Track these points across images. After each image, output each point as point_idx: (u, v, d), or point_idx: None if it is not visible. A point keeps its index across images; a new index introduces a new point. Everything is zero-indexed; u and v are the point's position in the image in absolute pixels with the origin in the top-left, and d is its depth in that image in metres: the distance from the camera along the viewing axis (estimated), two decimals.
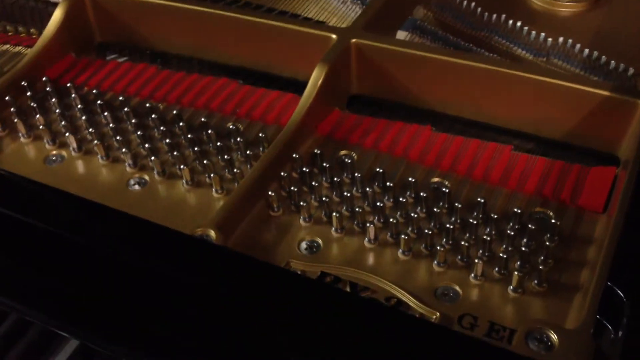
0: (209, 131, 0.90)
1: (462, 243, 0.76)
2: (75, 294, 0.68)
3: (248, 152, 0.88)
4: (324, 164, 0.85)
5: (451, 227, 0.78)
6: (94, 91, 0.96)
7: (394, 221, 0.79)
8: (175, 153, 0.87)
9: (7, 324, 0.76)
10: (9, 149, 0.92)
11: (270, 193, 0.82)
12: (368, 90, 0.99)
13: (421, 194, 0.81)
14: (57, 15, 1.01)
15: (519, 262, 0.75)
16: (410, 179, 0.83)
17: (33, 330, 0.75)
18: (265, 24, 0.99)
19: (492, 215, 0.78)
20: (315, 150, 0.87)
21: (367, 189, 0.83)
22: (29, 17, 1.20)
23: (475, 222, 0.78)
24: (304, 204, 0.81)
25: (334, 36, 0.95)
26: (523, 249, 0.75)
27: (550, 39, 1.02)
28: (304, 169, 0.85)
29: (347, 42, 0.95)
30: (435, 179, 0.86)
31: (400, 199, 0.82)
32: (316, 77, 0.91)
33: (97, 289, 0.68)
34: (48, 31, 1.01)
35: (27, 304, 0.68)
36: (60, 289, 0.68)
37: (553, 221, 0.77)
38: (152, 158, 0.87)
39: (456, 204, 0.80)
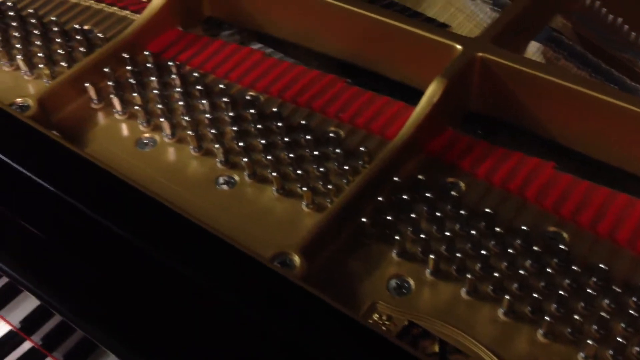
0: (308, 137, 0.83)
1: (575, 316, 0.66)
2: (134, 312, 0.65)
3: (346, 166, 0.81)
4: (427, 194, 0.77)
5: (564, 292, 0.68)
6: (195, 74, 0.90)
7: (498, 274, 0.70)
8: (269, 157, 0.82)
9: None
10: (103, 123, 0.89)
11: (364, 220, 0.75)
12: (486, 109, 0.89)
13: (534, 247, 0.72)
14: None
15: None
16: (523, 227, 0.74)
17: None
18: (383, 22, 0.90)
19: (614, 286, 0.68)
20: (420, 177, 0.78)
21: (472, 231, 0.74)
22: None
23: (593, 291, 0.68)
24: (399, 237, 0.74)
25: (458, 47, 0.85)
26: None
27: None
28: (405, 196, 0.77)
29: (473, 55, 0.84)
30: (552, 228, 0.76)
31: (509, 249, 0.73)
32: (433, 92, 0.82)
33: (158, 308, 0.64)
34: (156, 2, 0.96)
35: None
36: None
37: None
38: (245, 159, 0.81)
39: (573, 267, 0.70)
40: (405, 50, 0.90)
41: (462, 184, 0.81)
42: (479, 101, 0.89)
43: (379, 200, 0.76)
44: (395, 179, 0.78)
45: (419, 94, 0.90)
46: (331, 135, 0.85)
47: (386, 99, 0.90)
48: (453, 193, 0.78)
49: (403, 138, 0.80)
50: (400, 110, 0.88)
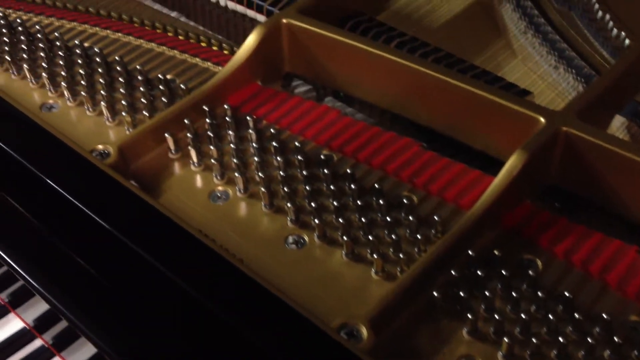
0: (380, 201, 0.82)
1: None
2: None
3: (418, 234, 0.79)
4: (503, 272, 0.74)
5: None
6: (272, 130, 0.91)
7: None
8: (340, 219, 0.81)
9: None
10: (179, 174, 0.90)
11: (435, 293, 0.73)
12: (566, 183, 0.86)
13: (614, 337, 0.68)
14: (252, 40, 0.98)
15: None
16: (603, 314, 0.70)
17: None
18: (464, 88, 0.89)
19: None
20: (496, 252, 0.76)
21: (549, 314, 0.71)
22: (224, 28, 1.20)
23: None
24: (471, 315, 0.71)
25: (542, 119, 0.83)
26: None
27: None
28: (479, 272, 0.75)
29: (557, 129, 0.82)
30: (634, 318, 0.72)
31: (587, 337, 0.69)
32: (514, 164, 0.80)
33: None
34: (239, 56, 0.97)
35: None
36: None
37: None
38: (317, 221, 0.81)
39: None
40: (484, 117, 0.89)
41: (539, 262, 0.78)
42: (558, 175, 0.86)
43: (452, 273, 0.74)
44: (470, 252, 0.75)
45: (495, 162, 0.89)
46: (405, 200, 0.83)
47: (462, 166, 0.88)
48: (530, 272, 0.75)
49: (480, 210, 0.78)
50: (476, 179, 0.86)
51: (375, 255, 0.77)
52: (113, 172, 0.80)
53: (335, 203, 0.83)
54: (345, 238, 0.79)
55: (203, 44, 1.09)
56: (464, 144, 0.93)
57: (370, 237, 0.79)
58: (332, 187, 0.85)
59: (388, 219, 0.81)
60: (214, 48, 1.08)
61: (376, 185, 0.84)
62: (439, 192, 0.86)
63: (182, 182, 0.89)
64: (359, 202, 0.83)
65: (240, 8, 1.13)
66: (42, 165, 0.80)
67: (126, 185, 0.78)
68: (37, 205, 0.78)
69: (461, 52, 1.06)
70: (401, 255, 0.78)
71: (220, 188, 0.88)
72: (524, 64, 1.06)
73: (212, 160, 0.89)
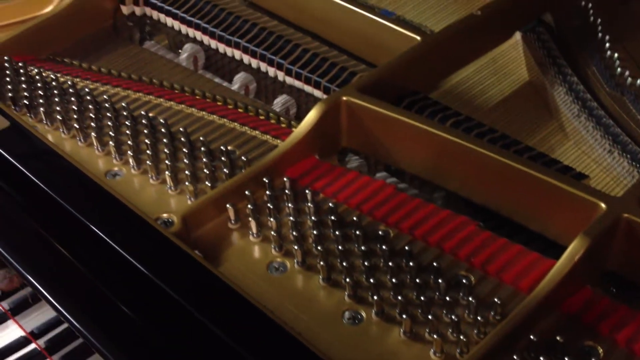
0: (440, 280, 0.82)
1: None
2: None
3: (478, 316, 0.79)
4: (566, 358, 0.73)
5: None
6: (330, 204, 0.93)
7: None
8: (398, 296, 0.81)
9: None
10: (238, 244, 0.92)
11: None
12: (625, 270, 0.86)
13: None
14: (312, 116, 1.01)
15: None
16: None
17: None
18: (520, 170, 0.90)
19: None
20: (558, 338, 0.75)
21: None
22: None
23: None
24: None
25: (602, 205, 0.83)
26: None
27: None
28: (541, 358, 0.74)
29: (618, 215, 0.82)
30: None
31: None
32: (575, 250, 0.80)
33: None
34: (299, 131, 1.00)
35: None
36: None
37: None
38: (374, 297, 0.81)
39: None
40: (542, 200, 0.89)
41: (600, 350, 0.77)
42: (617, 261, 0.86)
43: (514, 358, 0.73)
44: (533, 337, 0.75)
45: (550, 243, 0.89)
46: (463, 280, 0.84)
47: (520, 247, 0.88)
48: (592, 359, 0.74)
49: (542, 294, 0.78)
50: (535, 262, 0.86)
51: (435, 336, 0.77)
52: (179, 241, 0.82)
53: (393, 280, 0.83)
54: (403, 316, 0.79)
55: (261, 117, 1.13)
56: (521, 224, 0.93)
57: (429, 316, 0.80)
58: (390, 263, 0.86)
59: (447, 298, 0.81)
60: (272, 121, 1.12)
61: (435, 264, 0.85)
62: (497, 273, 0.86)
63: (241, 252, 0.91)
64: (417, 280, 0.83)
65: (297, 83, 1.18)
66: (110, 230, 0.82)
67: (191, 254, 0.79)
68: (103, 270, 0.80)
69: (514, 134, 1.07)
70: (461, 337, 0.77)
71: (278, 259, 0.89)
72: (577, 147, 1.07)
73: (271, 232, 0.90)
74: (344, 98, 1.02)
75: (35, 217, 0.86)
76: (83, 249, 0.83)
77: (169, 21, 1.31)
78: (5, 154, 0.90)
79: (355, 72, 1.14)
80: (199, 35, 1.28)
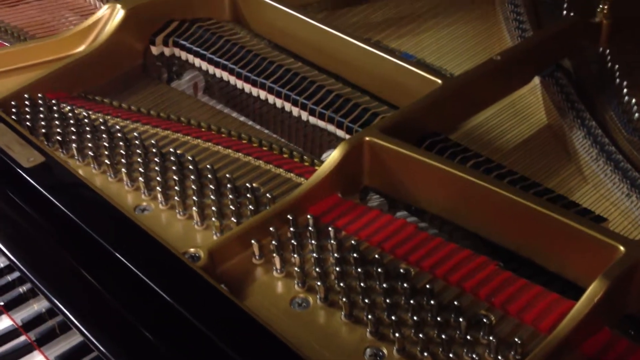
0: (460, 319, 0.84)
1: None
2: None
3: (500, 356, 0.80)
4: None
5: None
6: (352, 241, 0.95)
7: None
8: (420, 335, 0.82)
9: None
10: (262, 279, 0.94)
11: None
12: None
13: None
14: (335, 156, 1.04)
15: None
16: None
17: None
18: (540, 211, 0.92)
19: None
20: None
21: None
22: (301, 140, 1.27)
23: None
24: None
25: (621, 248, 0.85)
26: None
27: None
28: None
29: (636, 259, 0.83)
30: None
31: None
32: (594, 292, 0.81)
33: None
34: (323, 170, 1.03)
35: None
36: None
37: None
38: (396, 334, 0.82)
39: None
40: (561, 241, 0.91)
41: None
42: (636, 303, 0.87)
43: None
44: None
45: (571, 285, 0.90)
46: (484, 319, 0.85)
47: (539, 288, 0.89)
48: None
49: (561, 335, 0.79)
50: (555, 303, 0.87)
51: None
52: (206, 275, 0.84)
53: (414, 318, 0.85)
54: (425, 354, 0.80)
55: (285, 155, 1.16)
56: (539, 265, 0.95)
57: (450, 355, 0.81)
58: (411, 301, 0.87)
59: (468, 337, 0.82)
60: (295, 160, 1.15)
61: (456, 303, 0.86)
62: (517, 313, 0.87)
63: (264, 286, 0.93)
64: (438, 319, 0.85)
65: (321, 123, 1.21)
66: (140, 262, 0.85)
67: (218, 288, 0.82)
68: (132, 301, 0.82)
69: (533, 176, 1.10)
70: None
71: (301, 295, 0.91)
72: (596, 190, 1.09)
73: (294, 268, 0.92)
74: (367, 138, 1.05)
75: (68, 248, 0.88)
76: (113, 280, 0.85)
77: (197, 62, 1.36)
78: (40, 188, 0.94)
79: (378, 113, 1.17)
80: (225, 75, 1.32)
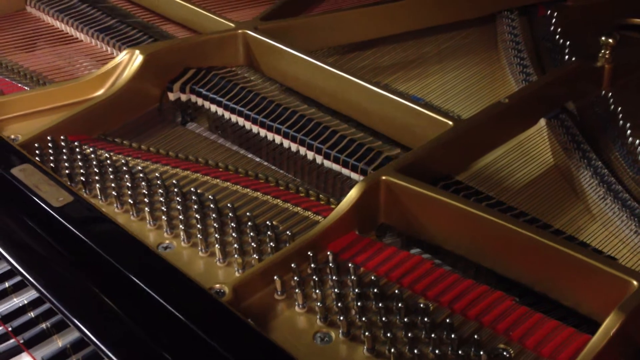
0: (481, 352, 0.86)
1: None
2: None
3: None
4: None
5: None
6: (372, 277, 0.98)
7: None
8: None
9: None
10: (284, 314, 0.96)
11: None
12: None
13: None
14: (353, 194, 1.07)
15: None
16: None
17: None
18: (556, 248, 0.95)
19: None
20: None
21: None
22: (314, 181, 1.30)
23: None
24: None
25: (635, 282, 0.88)
26: None
27: None
28: None
29: None
30: None
31: None
32: (609, 325, 0.84)
33: None
34: (341, 208, 1.06)
35: None
36: None
37: None
38: None
39: None
40: (576, 277, 0.94)
41: None
42: None
43: None
44: None
45: (586, 319, 0.93)
46: (504, 354, 0.87)
47: (556, 322, 0.92)
48: None
49: None
50: (571, 337, 0.89)
51: None
52: (234, 309, 0.87)
53: (436, 352, 0.87)
54: None
55: (302, 195, 1.19)
56: (554, 300, 0.97)
57: None
58: (432, 335, 0.89)
59: None
60: (312, 199, 1.18)
61: (475, 337, 0.89)
62: (534, 347, 0.89)
63: (287, 321, 0.95)
64: (459, 352, 0.87)
65: (335, 167, 1.24)
66: (170, 297, 0.87)
67: (246, 322, 0.84)
68: (162, 334, 0.84)
69: (542, 214, 1.13)
70: None
71: (323, 330, 0.93)
72: (605, 228, 1.12)
73: (316, 303, 0.95)
74: (383, 177, 1.09)
75: (98, 285, 0.91)
76: (142, 315, 0.87)
77: (213, 107, 1.40)
78: (71, 227, 0.97)
79: (390, 156, 1.21)
80: (241, 120, 1.36)
